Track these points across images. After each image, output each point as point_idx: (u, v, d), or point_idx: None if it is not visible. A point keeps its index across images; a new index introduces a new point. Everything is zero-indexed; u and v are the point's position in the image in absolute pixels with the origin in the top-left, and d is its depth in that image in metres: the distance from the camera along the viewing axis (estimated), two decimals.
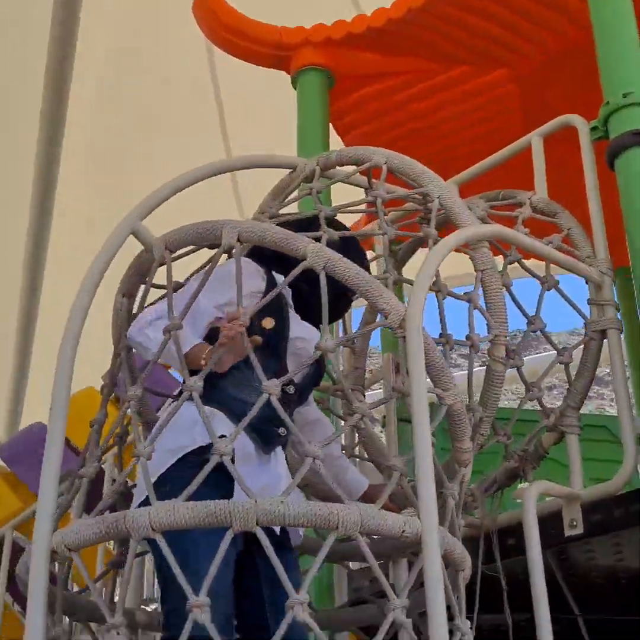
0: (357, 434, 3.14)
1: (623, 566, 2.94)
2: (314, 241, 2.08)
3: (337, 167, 2.70)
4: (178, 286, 2.33)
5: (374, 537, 2.54)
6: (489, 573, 2.65)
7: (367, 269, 2.49)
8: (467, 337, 2.32)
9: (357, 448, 3.22)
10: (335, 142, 4.39)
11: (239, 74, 5.92)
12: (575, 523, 2.56)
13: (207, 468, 1.80)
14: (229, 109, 7.66)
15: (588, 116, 2.96)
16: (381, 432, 3.58)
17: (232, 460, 1.83)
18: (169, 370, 4.37)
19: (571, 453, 2.64)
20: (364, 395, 3.32)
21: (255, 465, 2.19)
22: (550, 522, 2.61)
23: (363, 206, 2.62)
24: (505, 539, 2.70)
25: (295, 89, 4.05)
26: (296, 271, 2.07)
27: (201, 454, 2.04)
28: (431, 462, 1.88)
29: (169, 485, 1.96)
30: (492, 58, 4.10)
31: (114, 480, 2.16)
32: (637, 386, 5.03)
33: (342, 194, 3.19)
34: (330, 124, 4.24)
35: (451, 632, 1.91)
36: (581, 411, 2.70)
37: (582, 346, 2.72)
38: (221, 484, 1.94)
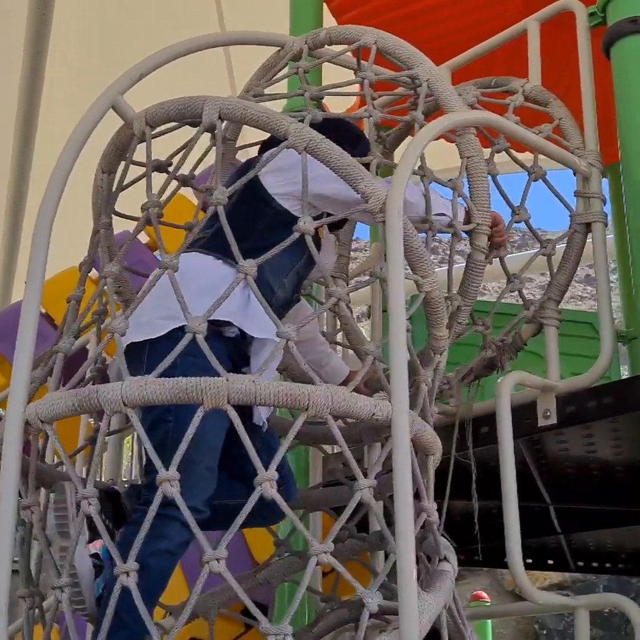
0: (337, 321, 3.15)
1: (594, 457, 2.99)
2: (296, 121, 2.04)
3: (327, 47, 2.64)
4: (158, 165, 2.30)
5: (349, 421, 2.59)
6: (462, 460, 2.70)
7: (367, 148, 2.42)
8: (450, 225, 2.30)
9: (339, 336, 3.24)
10: (329, 23, 4.27)
11: None
12: (548, 413, 2.59)
13: (183, 342, 1.81)
14: None
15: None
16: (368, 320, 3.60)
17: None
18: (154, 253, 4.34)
19: (549, 345, 2.65)
20: (348, 283, 3.32)
21: None
22: (524, 412, 2.65)
23: (353, 88, 2.57)
24: (479, 427, 2.73)
25: None
26: (277, 151, 2.03)
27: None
28: (405, 347, 1.89)
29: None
30: None
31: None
32: (624, 285, 5.03)
33: (336, 74, 3.12)
34: (324, 5, 4.12)
35: (419, 514, 1.96)
36: (568, 307, 2.71)
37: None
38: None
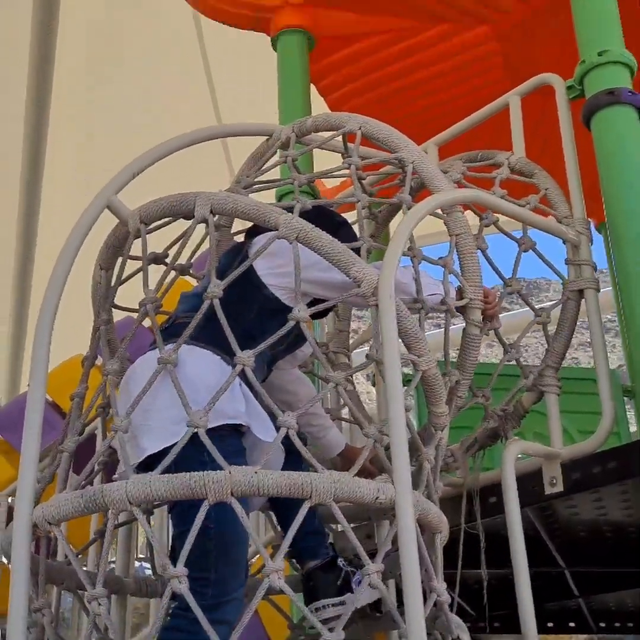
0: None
1: (606, 520, 2.99)
2: (285, 212, 2.09)
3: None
4: (154, 257, 2.36)
5: None
6: (472, 531, 2.70)
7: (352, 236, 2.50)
8: (443, 302, 2.34)
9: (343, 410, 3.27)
10: (318, 102, 4.38)
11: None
12: (555, 481, 2.59)
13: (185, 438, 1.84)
14: (215, 64, 7.61)
15: (572, 71, 2.94)
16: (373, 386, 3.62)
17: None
18: None
19: (550, 412, 2.67)
20: (349, 357, 3.36)
21: None
22: (531, 480, 2.66)
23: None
24: (487, 498, 2.74)
25: (275, 51, 4.02)
26: (267, 243, 2.08)
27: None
28: (404, 428, 1.91)
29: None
30: (473, 15, 4.06)
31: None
32: (623, 339, 5.06)
33: (327, 155, 3.20)
34: (312, 85, 4.23)
35: (429, 593, 1.96)
36: (574, 364, 2.74)
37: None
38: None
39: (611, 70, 2.73)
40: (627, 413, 5.00)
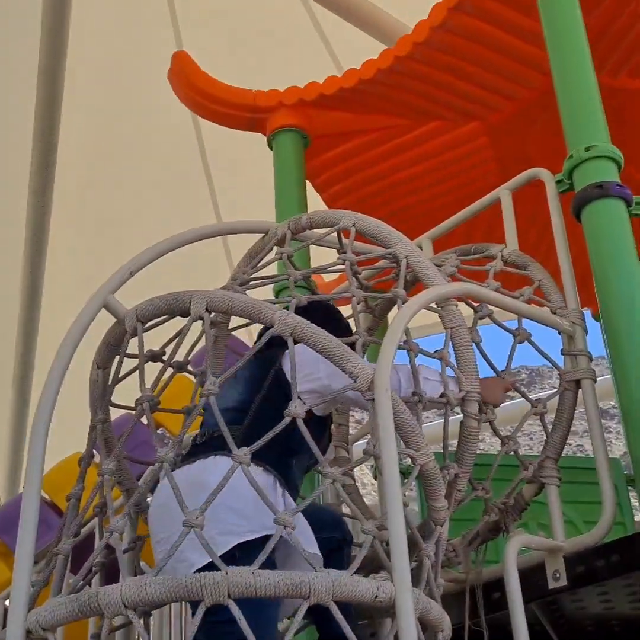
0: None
1: (613, 613, 2.93)
2: (280, 308, 2.12)
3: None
4: (152, 355, 2.37)
5: None
6: (476, 628, 2.65)
7: (346, 328, 2.53)
8: (442, 395, 2.35)
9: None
10: (315, 197, 4.46)
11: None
12: (558, 575, 2.55)
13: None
14: (214, 164, 7.78)
15: (562, 163, 3.00)
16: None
17: None
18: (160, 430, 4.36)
19: (551, 504, 2.65)
20: (348, 451, 3.34)
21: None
22: (534, 574, 2.62)
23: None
24: (491, 593, 2.70)
25: (271, 149, 4.12)
26: (263, 340, 2.10)
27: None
28: (403, 525, 1.89)
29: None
30: (463, 112, 4.16)
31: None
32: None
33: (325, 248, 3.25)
34: (308, 182, 4.31)
35: None
36: (579, 451, 2.72)
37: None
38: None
39: (599, 165, 2.79)
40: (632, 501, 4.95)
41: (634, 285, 2.63)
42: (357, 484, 3.37)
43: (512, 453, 2.71)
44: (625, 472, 4.76)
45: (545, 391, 9.40)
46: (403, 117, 4.16)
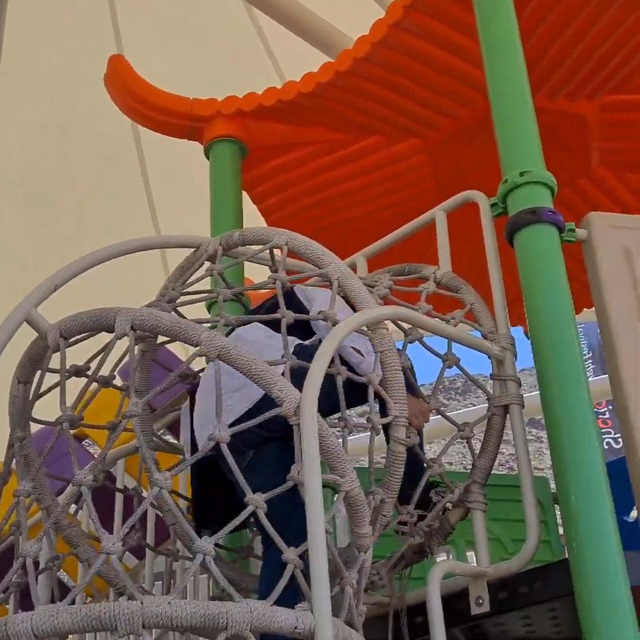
0: None
1: (536, 637, 2.94)
2: (208, 329, 2.08)
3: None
4: (76, 370, 2.31)
5: None
6: None
7: None
8: (368, 419, 2.33)
9: None
10: (252, 209, 4.42)
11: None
12: (481, 601, 2.55)
13: None
14: (153, 172, 7.70)
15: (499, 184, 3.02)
16: None
17: None
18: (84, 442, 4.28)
19: (476, 530, 2.64)
20: None
21: None
22: (458, 599, 2.61)
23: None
24: (414, 617, 2.68)
25: (208, 159, 4.07)
26: (189, 360, 2.06)
27: None
28: (325, 553, 1.86)
29: None
30: (402, 128, 4.16)
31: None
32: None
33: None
34: (245, 193, 4.27)
35: None
36: (509, 461, 2.71)
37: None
38: None
39: (533, 190, 2.79)
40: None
41: (563, 311, 2.63)
42: None
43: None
44: (552, 491, 4.82)
45: (480, 399, 9.52)
46: (342, 131, 4.15)
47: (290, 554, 1.92)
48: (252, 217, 4.44)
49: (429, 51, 3.69)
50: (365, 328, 2.39)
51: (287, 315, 2.33)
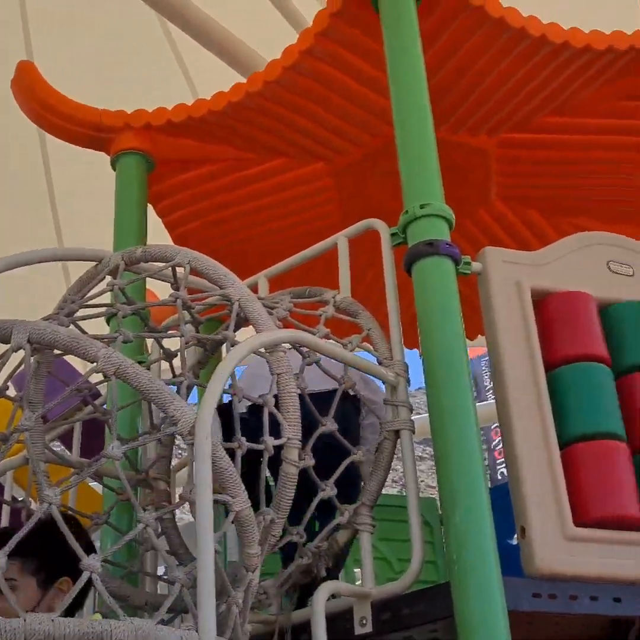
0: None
1: None
2: (105, 345, 2.08)
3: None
4: None
5: None
6: None
7: None
8: (261, 441, 2.36)
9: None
10: (156, 223, 4.41)
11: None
12: (365, 621, 2.60)
13: None
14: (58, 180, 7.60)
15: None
16: None
17: None
18: None
19: (363, 552, 2.70)
20: (169, 484, 3.30)
21: None
22: (343, 619, 2.66)
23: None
24: (299, 636, 2.72)
25: (114, 170, 4.05)
26: (86, 376, 2.06)
27: None
28: (212, 573, 1.89)
29: None
30: (309, 152, 4.22)
31: None
32: None
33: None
34: (151, 206, 4.27)
35: None
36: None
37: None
38: None
39: (431, 223, 2.88)
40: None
41: (455, 343, 2.72)
42: None
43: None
44: (439, 513, 4.92)
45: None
46: (250, 151, 4.18)
47: (178, 572, 1.93)
48: (157, 232, 4.44)
49: (338, 79, 3.76)
50: (263, 350, 2.42)
51: (186, 333, 2.35)
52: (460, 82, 3.91)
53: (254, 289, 3.30)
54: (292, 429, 2.41)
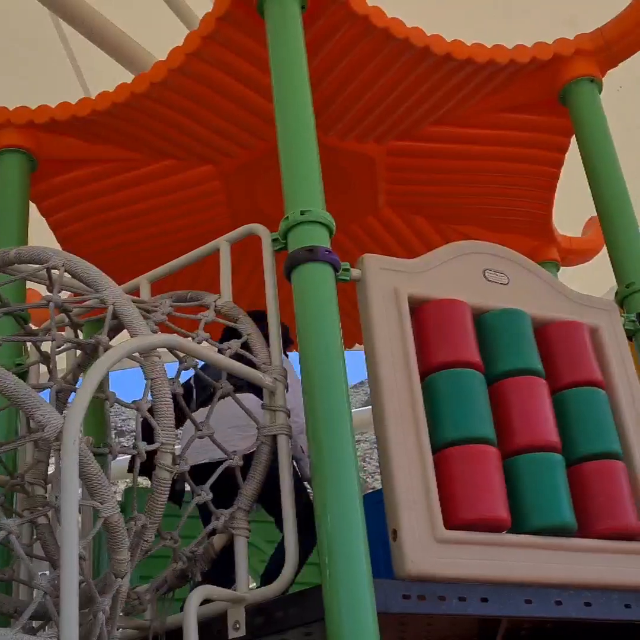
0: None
1: None
2: None
3: None
4: None
5: None
6: None
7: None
8: (134, 446, 2.34)
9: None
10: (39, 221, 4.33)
11: None
12: (238, 625, 2.61)
13: None
14: None
15: None
16: None
17: None
18: None
19: (238, 556, 2.71)
20: (46, 490, 3.25)
21: None
22: (217, 624, 2.66)
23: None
24: None
25: None
26: None
27: None
28: (75, 582, 1.87)
29: None
30: (197, 154, 4.20)
31: None
32: None
33: None
34: (35, 205, 4.19)
35: None
36: None
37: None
38: None
39: (311, 229, 2.90)
40: None
41: (332, 347, 2.73)
42: None
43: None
44: None
45: None
46: (136, 151, 4.14)
47: (41, 580, 1.91)
48: (42, 230, 4.36)
49: (225, 82, 3.76)
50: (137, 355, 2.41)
51: (57, 337, 2.32)
52: (346, 89, 3.96)
53: (137, 292, 3.28)
54: (165, 434, 2.40)
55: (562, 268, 5.12)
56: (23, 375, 3.07)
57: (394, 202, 4.79)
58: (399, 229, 4.91)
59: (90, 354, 3.31)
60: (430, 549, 2.60)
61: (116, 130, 3.96)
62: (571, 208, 5.27)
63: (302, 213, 2.92)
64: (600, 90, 3.93)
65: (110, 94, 3.75)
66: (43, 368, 3.20)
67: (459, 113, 4.24)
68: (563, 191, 4.81)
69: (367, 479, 15.41)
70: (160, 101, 3.80)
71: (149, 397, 2.41)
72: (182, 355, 2.70)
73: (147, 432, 2.39)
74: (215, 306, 3.02)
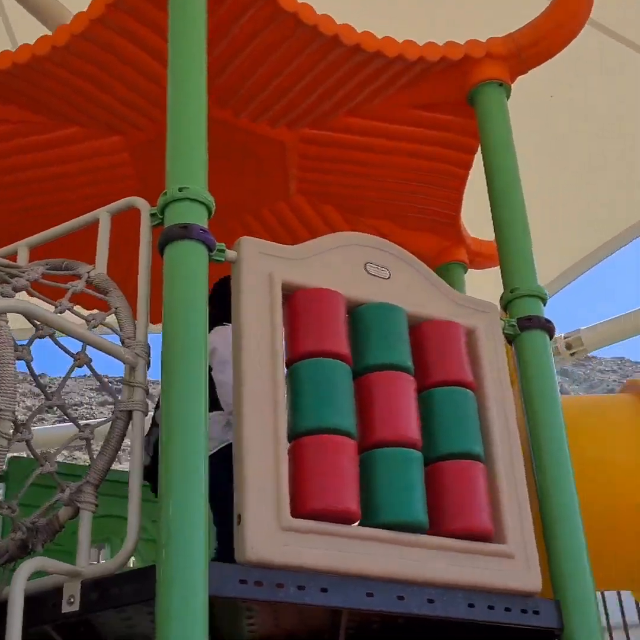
0: None
1: (137, 631, 2.98)
2: None
3: None
4: None
5: None
6: None
7: None
8: None
9: None
10: None
11: None
12: (73, 600, 2.58)
13: None
14: None
15: None
16: None
17: None
18: None
19: (82, 530, 2.67)
20: None
21: None
22: (53, 597, 2.63)
23: None
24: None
25: None
26: None
27: None
28: None
29: None
30: (104, 124, 4.15)
31: None
32: None
33: None
34: None
35: None
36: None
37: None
38: None
39: (189, 207, 2.86)
40: None
41: (196, 328, 2.70)
42: None
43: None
44: None
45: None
46: (40, 115, 4.06)
47: None
48: None
49: (130, 51, 3.70)
50: None
51: None
52: (256, 72, 3.93)
53: (14, 257, 3.22)
54: (5, 400, 2.36)
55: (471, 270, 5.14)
56: None
57: (306, 190, 4.77)
58: (309, 217, 4.90)
59: None
60: (273, 535, 2.59)
61: (17, 91, 3.88)
62: (485, 211, 5.29)
63: (180, 189, 2.88)
64: (508, 95, 3.93)
65: (11, 53, 3.67)
66: None
67: (372, 106, 4.22)
68: (477, 193, 4.82)
69: None
70: (63, 65, 3.72)
71: None
72: (38, 323, 2.66)
73: None
74: (88, 277, 2.97)
